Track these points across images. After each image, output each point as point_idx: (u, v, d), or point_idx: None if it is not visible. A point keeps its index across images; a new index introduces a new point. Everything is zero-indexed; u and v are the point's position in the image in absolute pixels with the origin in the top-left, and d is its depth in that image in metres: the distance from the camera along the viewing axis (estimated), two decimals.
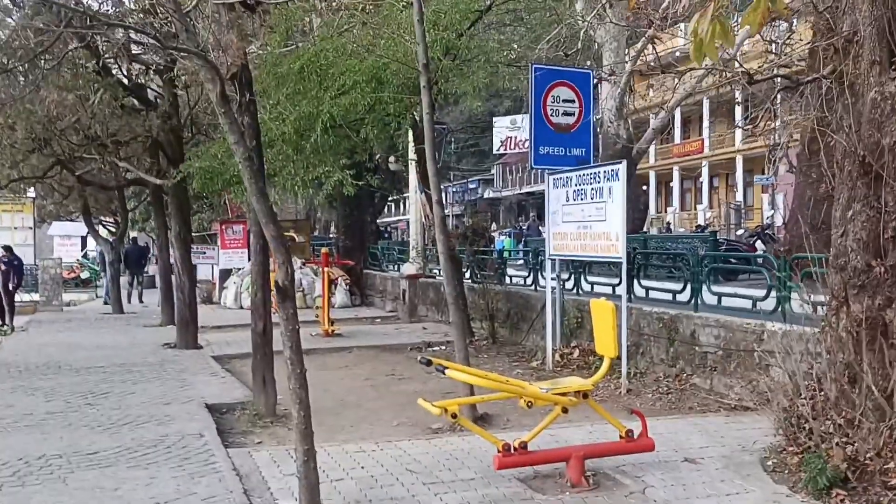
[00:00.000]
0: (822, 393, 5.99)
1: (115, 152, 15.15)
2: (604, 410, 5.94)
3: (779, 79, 6.86)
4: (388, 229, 53.22)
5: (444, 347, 12.77)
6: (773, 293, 8.65)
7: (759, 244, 20.59)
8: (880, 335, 5.59)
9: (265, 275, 8.50)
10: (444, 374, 5.63)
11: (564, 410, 5.82)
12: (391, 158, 19.75)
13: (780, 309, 8.41)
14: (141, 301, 24.35)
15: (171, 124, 13.88)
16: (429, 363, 5.77)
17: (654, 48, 7.56)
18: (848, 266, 5.79)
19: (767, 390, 7.90)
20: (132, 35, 11.70)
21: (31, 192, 28.38)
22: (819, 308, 6.70)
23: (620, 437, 5.95)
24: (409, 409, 8.42)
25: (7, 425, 8.23)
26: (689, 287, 9.95)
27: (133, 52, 14.39)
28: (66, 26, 8.73)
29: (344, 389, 10.15)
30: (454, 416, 5.59)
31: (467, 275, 15.59)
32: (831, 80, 6.10)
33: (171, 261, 15.57)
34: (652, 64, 12.63)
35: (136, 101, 14.70)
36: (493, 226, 52.51)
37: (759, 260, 11.51)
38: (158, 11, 8.21)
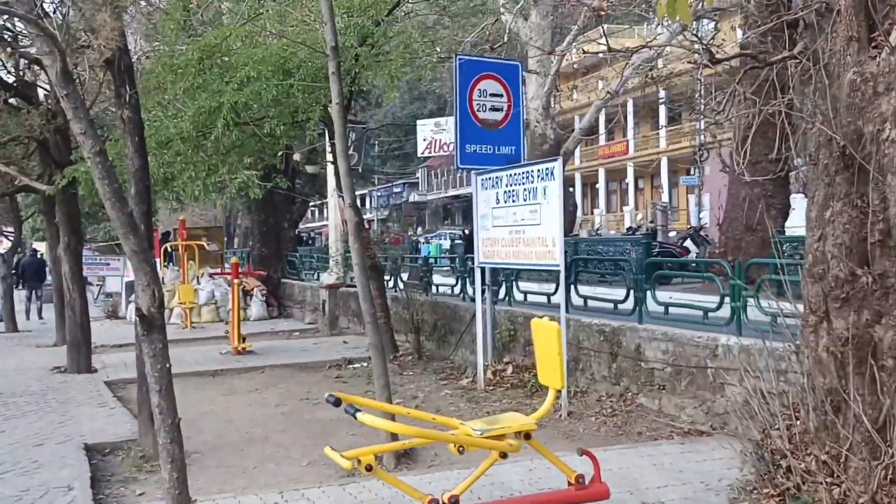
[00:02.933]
0: (801, 423, 5.15)
1: None
2: (549, 453, 4.96)
3: (738, 60, 6.09)
4: (312, 235, 51.74)
5: (365, 364, 11.66)
6: (727, 302, 7.80)
7: (690, 245, 20.09)
8: (869, 356, 4.75)
9: None
10: (355, 417, 4.56)
11: (503, 455, 4.82)
12: (297, 157, 18.51)
13: (734, 320, 7.58)
14: (40, 317, 22.61)
15: (56, 124, 12.42)
16: (338, 402, 4.68)
17: (603, 28, 6.67)
18: (828, 275, 4.94)
19: (725, 412, 7.13)
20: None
21: None
22: (780, 319, 5.87)
23: (570, 483, 4.97)
24: (322, 442, 7.24)
25: None
26: (631, 295, 9.09)
27: (17, 44, 12.93)
28: None
29: (251, 419, 8.97)
30: (369, 468, 4.51)
31: (391, 283, 14.54)
32: (802, 60, 5.26)
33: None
34: (587, 52, 11.90)
35: (17, 99, 13.18)
36: (419, 230, 51.63)
37: (711, 266, 10.73)
38: None
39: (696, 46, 5.15)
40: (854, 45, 4.94)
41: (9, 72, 14.30)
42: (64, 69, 4.18)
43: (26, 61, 13.62)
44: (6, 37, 12.18)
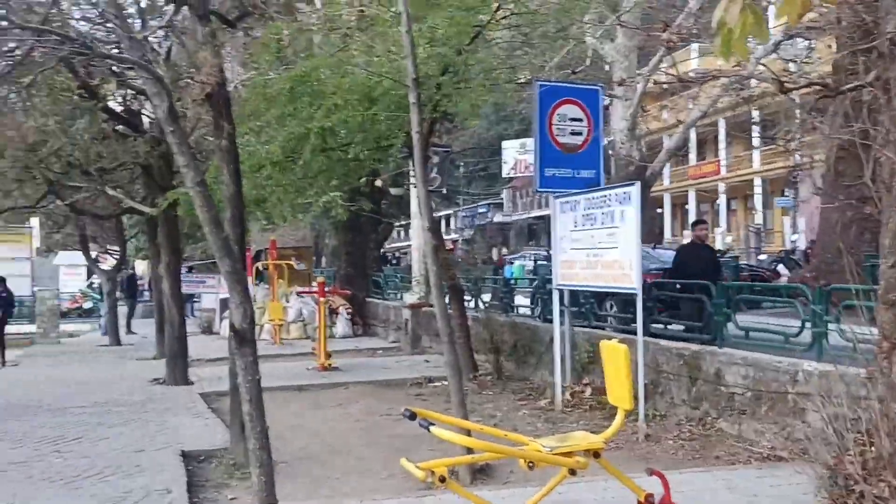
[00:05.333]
0: (874, 449, 5.13)
1: (101, 180, 14.46)
2: (618, 472, 5.09)
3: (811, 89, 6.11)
4: (396, 255, 52.48)
5: (445, 383, 11.84)
6: (808, 327, 7.74)
7: (782, 269, 19.69)
8: None
9: None
10: (429, 430, 4.81)
11: (572, 472, 4.98)
12: (378, 182, 18.98)
13: (815, 346, 7.52)
14: (130, 331, 23.60)
15: (160, 150, 13.19)
16: (413, 416, 4.94)
17: (673, 59, 6.80)
18: None
19: (804, 438, 7.07)
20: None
21: (34, 222, 27.95)
22: (862, 346, 5.84)
23: (639, 502, 5.10)
24: (402, 456, 7.55)
25: None
26: (712, 320, 9.07)
27: (126, 76, 13.79)
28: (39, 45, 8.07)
29: (335, 432, 9.34)
30: (442, 479, 4.75)
31: (471, 304, 14.76)
32: (875, 88, 5.29)
33: None
34: (667, 80, 11.92)
35: (124, 127, 14.04)
36: (504, 251, 51.75)
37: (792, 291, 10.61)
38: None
39: (769, 75, 5.22)
40: None
41: (117, 101, 15.21)
42: (170, 108, 4.60)
43: (133, 92, 14.54)
44: (115, 70, 13.04)
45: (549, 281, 11.14)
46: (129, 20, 5.18)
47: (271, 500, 4.55)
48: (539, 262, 27.86)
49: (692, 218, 46.38)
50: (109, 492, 6.89)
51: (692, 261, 10.69)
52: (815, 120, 5.96)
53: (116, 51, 7.49)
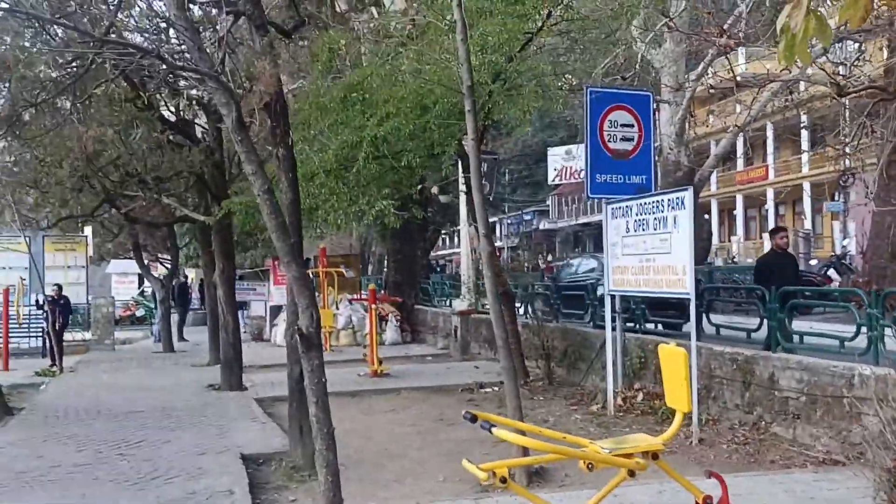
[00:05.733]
0: None
1: (157, 189, 14.82)
2: (677, 474, 5.13)
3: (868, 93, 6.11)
4: (443, 263, 52.65)
5: (496, 389, 11.98)
6: (864, 332, 7.69)
7: (833, 274, 19.41)
8: None
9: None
10: (490, 432, 4.90)
11: (631, 473, 5.03)
12: (434, 189, 19.13)
13: (871, 350, 7.46)
14: (182, 338, 24.00)
15: (213, 159, 13.50)
16: (474, 419, 5.03)
17: (729, 62, 6.81)
18: None
19: (862, 442, 7.02)
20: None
21: (87, 231, 28.57)
22: None
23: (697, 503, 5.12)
24: (456, 460, 7.62)
25: (30, 479, 7.74)
26: (765, 324, 9.03)
27: (179, 86, 14.13)
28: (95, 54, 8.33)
29: (388, 437, 9.47)
30: (503, 480, 4.83)
31: (521, 311, 14.82)
32: None
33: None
34: (723, 83, 11.82)
35: (179, 136, 14.37)
36: (549, 257, 51.64)
37: (846, 295, 10.51)
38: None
39: (826, 78, 5.22)
40: None
41: (171, 111, 15.56)
42: (238, 118, 4.77)
43: (187, 101, 14.90)
44: (171, 80, 13.38)
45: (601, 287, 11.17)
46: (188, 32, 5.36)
47: (338, 499, 4.68)
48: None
49: (740, 223, 45.93)
50: (174, 493, 7.10)
51: (774, 270, 10.00)
52: (871, 123, 5.93)
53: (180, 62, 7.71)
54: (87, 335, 23.02)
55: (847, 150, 9.03)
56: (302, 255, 8.31)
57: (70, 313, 19.82)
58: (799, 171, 39.87)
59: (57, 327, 17.83)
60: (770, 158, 41.72)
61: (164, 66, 10.12)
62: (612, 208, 9.89)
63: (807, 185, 39.26)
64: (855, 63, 12.93)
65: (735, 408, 8.93)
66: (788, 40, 3.19)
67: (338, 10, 13.51)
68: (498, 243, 57.97)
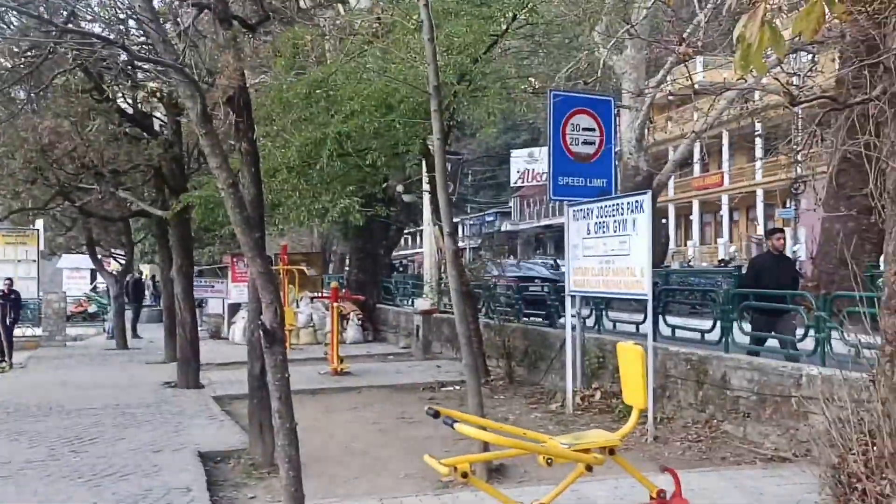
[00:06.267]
0: (876, 449, 5.28)
1: (113, 182, 14.60)
2: (633, 468, 5.25)
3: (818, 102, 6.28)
4: (405, 262, 52.64)
5: (458, 388, 12.07)
6: (812, 334, 7.92)
7: None
8: None
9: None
10: (453, 427, 4.96)
11: (588, 468, 5.14)
12: (399, 188, 19.17)
13: (819, 351, 7.69)
14: (136, 335, 23.66)
15: (172, 153, 13.36)
16: (436, 415, 5.10)
17: (688, 69, 6.98)
18: None
19: (809, 440, 7.23)
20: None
21: (39, 224, 28.05)
22: (864, 351, 6.00)
23: (651, 498, 5.25)
24: (418, 457, 7.67)
25: None
26: (718, 326, 9.24)
27: (138, 78, 13.94)
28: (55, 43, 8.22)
29: (350, 434, 9.49)
30: (465, 475, 4.90)
31: (483, 310, 14.92)
32: (882, 101, 5.46)
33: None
34: (682, 91, 12.08)
35: (136, 129, 14.20)
36: (511, 259, 51.84)
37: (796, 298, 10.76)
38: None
39: (779, 87, 5.39)
40: None
41: (128, 103, 15.31)
42: (203, 111, 4.78)
43: (146, 94, 14.71)
44: (128, 72, 13.20)
45: (562, 288, 11.32)
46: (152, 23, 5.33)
47: (300, 495, 4.70)
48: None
49: (696, 228, 46.69)
50: (130, 490, 7.02)
51: (769, 272, 9.77)
52: (823, 132, 6.12)
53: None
54: (38, 331, 22.62)
55: (799, 157, 9.23)
56: (265, 251, 8.32)
57: (21, 308, 19.45)
58: (753, 178, 40.70)
59: (7, 322, 17.49)
60: (725, 165, 42.53)
61: (125, 58, 10.05)
62: (574, 210, 10.03)
63: (760, 192, 40.10)
64: (808, 74, 13.25)
65: (689, 406, 9.12)
66: (744, 50, 3.31)
67: (303, 5, 13.48)
68: (461, 244, 58.12)
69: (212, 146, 4.83)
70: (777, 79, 5.82)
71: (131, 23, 12.12)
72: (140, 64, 12.73)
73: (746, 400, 8.26)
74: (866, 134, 5.70)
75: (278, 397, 4.73)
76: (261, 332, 4.79)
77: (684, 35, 11.14)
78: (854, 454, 5.25)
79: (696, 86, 7.57)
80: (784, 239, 10.52)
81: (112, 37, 8.84)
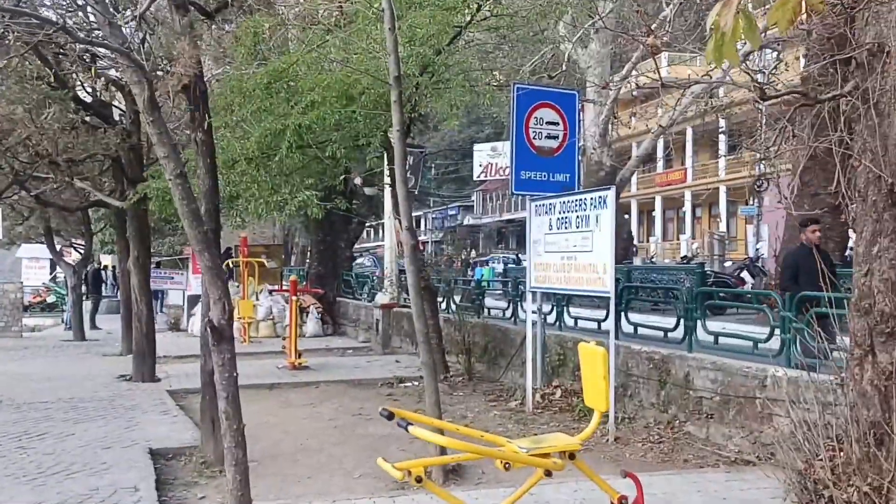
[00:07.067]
0: (843, 454, 5.22)
1: (69, 171, 14.22)
2: (593, 473, 5.12)
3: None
4: (370, 255, 52.33)
5: (416, 383, 11.90)
6: (777, 334, 7.86)
7: (746, 276, 19.94)
8: None
9: None
10: (407, 430, 4.80)
11: (548, 473, 5.00)
12: (358, 181, 18.93)
13: (784, 352, 7.63)
14: (94, 326, 23.20)
15: (130, 142, 13.02)
16: (391, 416, 4.92)
17: (655, 63, 6.84)
18: (874, 310, 5.03)
19: (773, 443, 7.17)
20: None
21: None
22: (832, 353, 5.95)
23: (612, 503, 5.13)
24: (374, 456, 7.47)
25: None
26: (682, 324, 9.17)
27: (95, 64, 13.57)
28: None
29: (305, 431, 9.28)
30: (419, 479, 4.73)
31: (443, 305, 14.77)
32: (853, 98, 5.38)
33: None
34: (650, 84, 11.98)
35: (94, 118, 13.82)
36: (473, 253, 51.86)
37: (760, 297, 10.74)
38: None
39: (749, 82, 5.28)
40: None
41: (87, 92, 14.95)
42: (151, 98, 4.54)
43: (104, 82, 14.32)
44: (86, 59, 12.84)
45: (522, 283, 11.19)
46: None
47: (246, 498, 4.50)
48: (508, 266, 27.94)
49: (658, 224, 46.97)
50: (76, 489, 6.79)
51: (808, 267, 8.25)
52: (791, 129, 6.05)
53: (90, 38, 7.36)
54: None
55: (770, 154, 9.16)
56: (218, 244, 8.06)
57: None
58: (716, 174, 41.03)
59: None
60: (689, 161, 42.80)
61: (75, 42, 9.70)
62: (536, 205, 9.90)
63: (723, 189, 40.44)
64: (772, 72, 13.28)
65: (651, 406, 9.04)
66: (717, 39, 3.15)
67: None
68: (423, 237, 58.00)
69: (159, 135, 4.60)
70: (748, 72, 5.70)
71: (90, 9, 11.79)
72: (98, 51, 12.40)
73: (710, 401, 8.19)
74: (837, 131, 5.62)
75: (225, 397, 4.53)
76: (208, 330, 4.58)
77: (652, 27, 11.08)
78: (821, 460, 5.18)
79: (663, 80, 7.46)
80: (819, 231, 9.34)
81: (59, 20, 8.54)
